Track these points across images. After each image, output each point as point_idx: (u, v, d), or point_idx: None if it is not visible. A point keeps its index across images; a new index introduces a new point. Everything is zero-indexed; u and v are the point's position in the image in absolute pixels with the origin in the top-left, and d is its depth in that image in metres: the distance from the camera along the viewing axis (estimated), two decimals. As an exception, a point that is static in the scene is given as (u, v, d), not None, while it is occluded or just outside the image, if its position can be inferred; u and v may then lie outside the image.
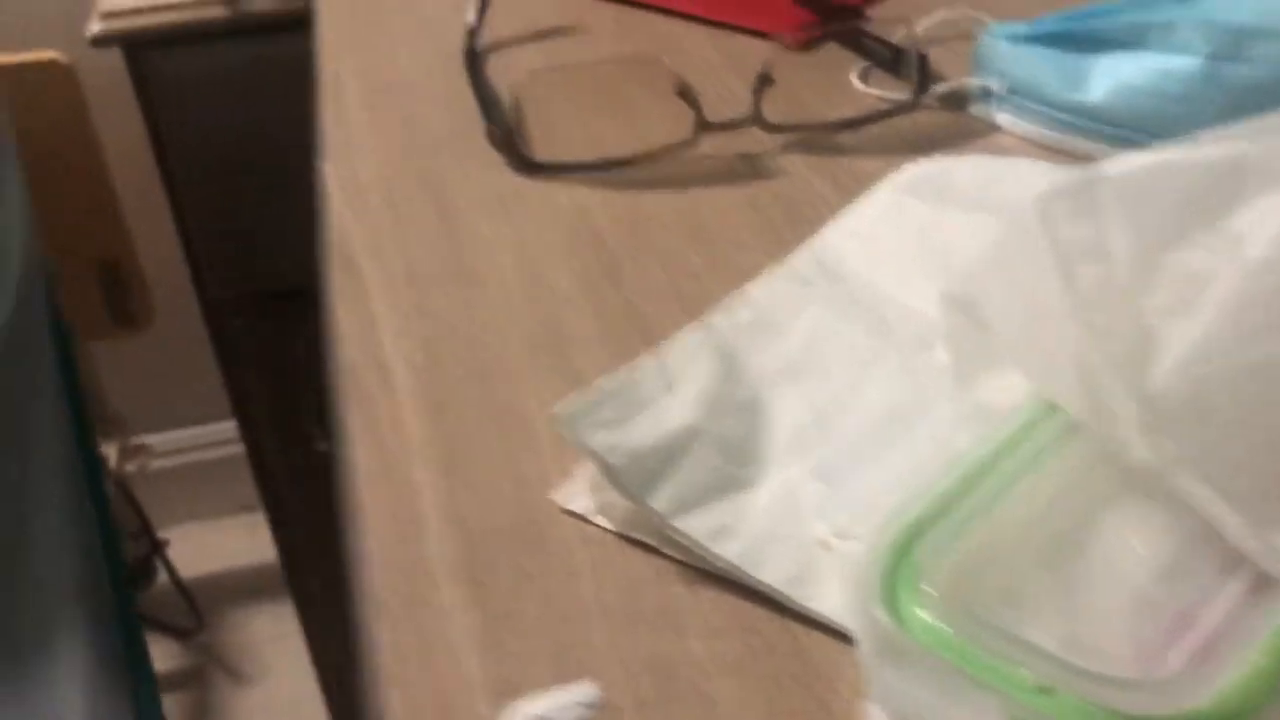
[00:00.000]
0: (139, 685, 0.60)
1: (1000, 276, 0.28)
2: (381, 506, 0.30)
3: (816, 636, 0.26)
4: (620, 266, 0.38)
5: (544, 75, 0.43)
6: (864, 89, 0.48)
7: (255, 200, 0.92)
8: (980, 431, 0.27)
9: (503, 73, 0.52)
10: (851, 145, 0.44)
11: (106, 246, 1.14)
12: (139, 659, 0.63)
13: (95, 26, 0.84)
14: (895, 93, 0.46)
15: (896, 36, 0.49)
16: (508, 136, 0.44)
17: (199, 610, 1.30)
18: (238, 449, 1.51)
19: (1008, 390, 0.28)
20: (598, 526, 0.29)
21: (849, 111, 0.45)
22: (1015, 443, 0.27)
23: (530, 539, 0.28)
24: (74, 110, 1.04)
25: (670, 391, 0.30)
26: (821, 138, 0.44)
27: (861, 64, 0.49)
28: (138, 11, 0.84)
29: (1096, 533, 0.25)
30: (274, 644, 1.30)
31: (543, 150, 0.44)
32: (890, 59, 0.48)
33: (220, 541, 1.41)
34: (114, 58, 0.86)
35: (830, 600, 0.26)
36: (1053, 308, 0.26)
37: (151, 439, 1.39)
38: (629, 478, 0.27)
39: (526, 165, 0.43)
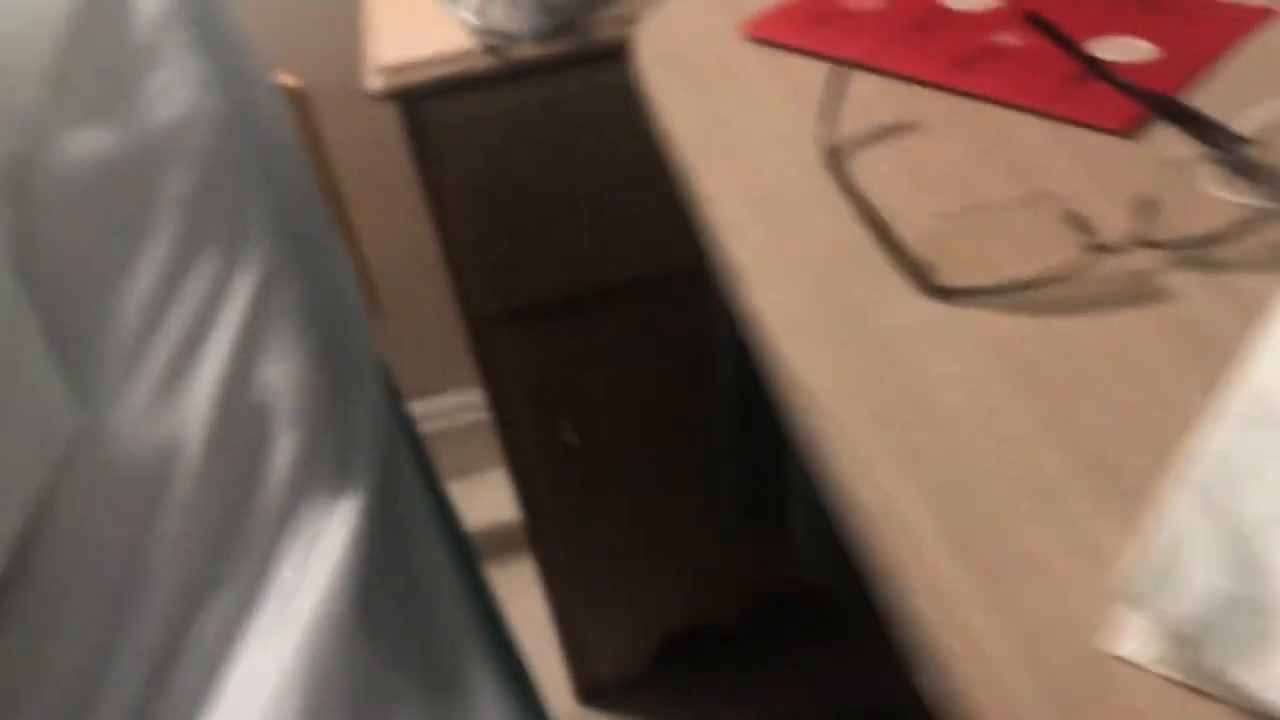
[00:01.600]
0: (525, 689, 0.70)
1: None
2: (946, 647, 0.37)
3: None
4: (1065, 401, 0.44)
5: (947, 219, 0.49)
6: (1218, 194, 0.52)
7: (517, 226, 1.00)
8: None
9: (860, 178, 0.57)
10: (1231, 259, 0.49)
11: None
12: (519, 665, 0.72)
13: (377, 83, 0.91)
14: (1245, 195, 0.51)
15: (1239, 131, 0.53)
16: (918, 264, 0.50)
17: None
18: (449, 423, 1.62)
19: None
20: (1154, 674, 0.36)
21: (1208, 217, 0.50)
22: None
23: (1099, 682, 0.36)
24: (311, 132, 1.12)
25: (1192, 555, 0.36)
26: (1199, 251, 0.50)
27: (1207, 163, 0.54)
28: (415, 66, 0.90)
29: None
30: (509, 604, 1.42)
31: (944, 277, 0.50)
32: (1238, 160, 0.53)
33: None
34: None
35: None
36: None
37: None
38: (1196, 643, 0.34)
39: (937, 291, 0.50)
